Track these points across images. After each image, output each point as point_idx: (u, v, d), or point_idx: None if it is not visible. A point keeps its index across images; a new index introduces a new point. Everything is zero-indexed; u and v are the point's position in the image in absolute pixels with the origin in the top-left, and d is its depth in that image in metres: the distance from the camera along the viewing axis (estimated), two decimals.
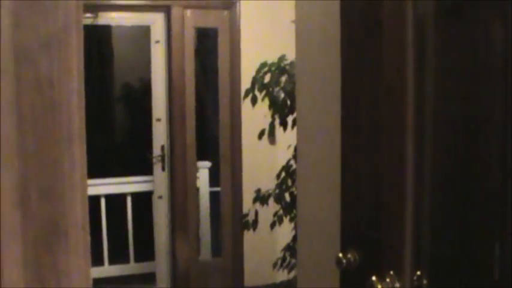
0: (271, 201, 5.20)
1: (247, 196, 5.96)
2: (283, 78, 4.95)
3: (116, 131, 9.43)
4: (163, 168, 6.47)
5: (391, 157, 2.03)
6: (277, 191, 5.13)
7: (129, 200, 6.86)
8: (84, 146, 1.00)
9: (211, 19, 6.49)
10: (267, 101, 5.03)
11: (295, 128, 3.77)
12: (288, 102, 4.85)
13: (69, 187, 0.99)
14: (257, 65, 5.10)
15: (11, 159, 0.93)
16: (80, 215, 1.01)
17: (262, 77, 5.02)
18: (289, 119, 4.83)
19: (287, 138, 4.92)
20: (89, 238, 1.03)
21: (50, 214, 0.97)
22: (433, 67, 1.94)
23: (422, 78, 1.92)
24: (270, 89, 4.98)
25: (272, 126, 5.12)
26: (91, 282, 1.02)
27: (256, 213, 5.40)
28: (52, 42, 0.95)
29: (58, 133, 0.97)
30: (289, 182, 5.04)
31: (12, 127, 0.93)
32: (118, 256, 6.94)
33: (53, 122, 0.96)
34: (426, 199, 1.94)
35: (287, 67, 4.94)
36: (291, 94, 4.72)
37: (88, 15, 5.89)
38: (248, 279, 6.71)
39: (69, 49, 0.96)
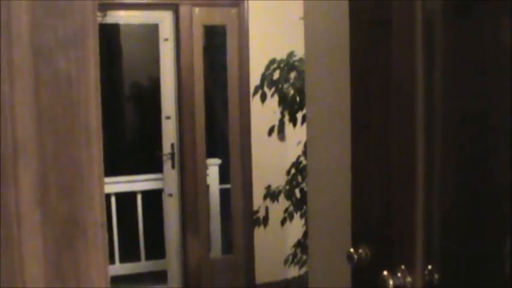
0: (281, 197, 5.22)
1: (258, 193, 5.98)
2: (293, 75, 4.96)
3: (126, 130, 9.45)
4: (173, 166, 6.48)
5: (402, 152, 2.04)
6: (287, 187, 5.15)
7: (139, 198, 6.88)
8: (101, 145, 1.01)
9: (219, 17, 6.49)
10: (276, 98, 5.04)
11: (304, 124, 3.78)
12: (298, 98, 4.85)
13: (88, 185, 1.00)
14: (266, 62, 5.12)
15: (30, 158, 0.94)
16: (98, 212, 1.02)
17: (272, 74, 5.04)
18: (299, 115, 4.84)
19: (297, 134, 4.93)
20: (106, 235, 1.04)
21: (70, 212, 0.99)
22: (442, 64, 1.94)
23: (432, 75, 1.92)
24: (280, 85, 4.99)
25: (282, 122, 5.13)
26: (109, 279, 1.04)
27: (267, 209, 5.41)
28: (70, 42, 0.96)
29: (76, 132, 0.98)
30: (299, 178, 5.06)
31: (31, 126, 0.94)
32: (129, 254, 6.95)
33: (71, 121, 0.98)
34: (437, 193, 1.94)
35: (296, 63, 4.95)
36: (300, 90, 4.72)
37: None
38: (259, 276, 6.72)
39: (86, 49, 0.97)
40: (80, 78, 0.97)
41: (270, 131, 5.25)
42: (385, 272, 1.97)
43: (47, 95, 0.96)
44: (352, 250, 2.26)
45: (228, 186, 6.81)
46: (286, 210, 5.24)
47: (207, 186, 6.68)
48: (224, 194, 6.91)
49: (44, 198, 0.96)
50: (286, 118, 5.01)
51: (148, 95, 8.38)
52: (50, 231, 0.97)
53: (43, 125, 0.95)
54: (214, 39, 6.94)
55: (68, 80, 0.96)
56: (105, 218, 1.03)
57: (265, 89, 5.06)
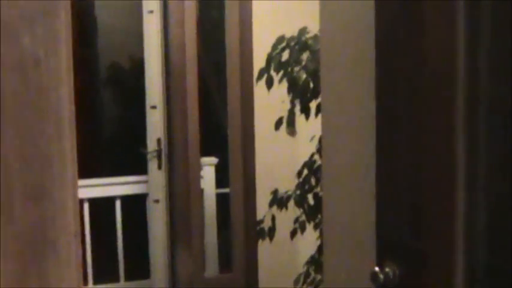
0: (291, 204, 5.23)
1: (262, 199, 5.98)
2: (305, 56, 4.96)
3: (102, 122, 9.46)
4: (159, 166, 6.49)
5: (438, 150, 2.04)
6: (298, 192, 5.15)
7: (118, 204, 6.89)
8: (75, 139, 1.02)
9: None
10: (285, 83, 5.04)
11: (319, 116, 3.78)
12: (311, 84, 4.86)
13: (59, 187, 1.01)
14: (273, 40, 5.12)
15: None
16: (71, 219, 1.03)
17: (280, 55, 5.04)
18: (313, 104, 4.84)
19: (310, 128, 4.93)
20: (80, 247, 1.05)
21: (37, 219, 0.99)
22: (488, 43, 1.94)
23: (476, 55, 1.92)
24: (289, 68, 4.99)
25: (292, 113, 5.13)
26: None
27: (273, 219, 5.42)
28: (36, 16, 0.97)
29: (46, 123, 0.99)
30: (313, 181, 5.06)
31: None
32: (105, 273, 6.96)
33: (39, 110, 0.98)
34: (482, 200, 1.95)
35: (309, 42, 4.95)
36: (314, 74, 4.73)
37: None
38: None
39: (56, 24, 0.98)
40: (48, 59, 0.97)
41: (278, 124, 5.26)
42: None
43: (10, 79, 0.96)
44: (377, 269, 2.27)
45: (226, 190, 6.82)
46: (296, 219, 5.25)
47: (201, 191, 6.69)
48: (222, 200, 6.92)
49: (6, 203, 0.97)
50: (297, 108, 5.01)
51: (130, 80, 8.39)
52: (12, 243, 0.98)
53: (5, 114, 0.96)
54: (211, 12, 6.94)
55: (35, 61, 0.97)
56: (78, 227, 1.04)
57: (272, 72, 5.06)
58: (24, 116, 0.98)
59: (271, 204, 5.34)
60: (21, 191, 0.99)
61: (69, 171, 1.01)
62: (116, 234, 6.89)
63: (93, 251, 6.75)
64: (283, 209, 5.28)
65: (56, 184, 1.00)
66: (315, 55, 4.75)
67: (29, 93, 0.98)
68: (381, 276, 2.25)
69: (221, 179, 6.89)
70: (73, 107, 1.01)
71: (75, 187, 1.02)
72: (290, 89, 5.03)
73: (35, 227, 1.00)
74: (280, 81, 5.06)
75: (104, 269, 6.94)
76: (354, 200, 2.92)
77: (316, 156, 4.95)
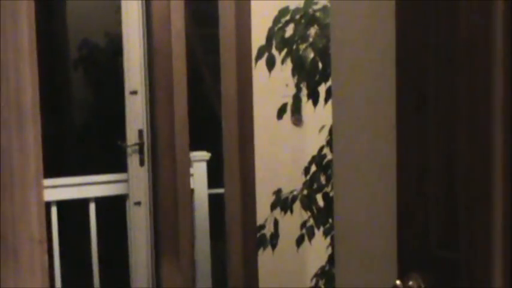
0: (296, 206, 5.24)
1: (263, 200, 6.00)
2: (313, 31, 4.96)
3: (73, 110, 9.46)
4: (141, 163, 6.50)
5: (472, 143, 2.04)
6: (305, 192, 5.16)
7: (92, 208, 6.88)
8: (39, 129, 1.02)
9: None
10: (289, 64, 5.05)
11: (329, 103, 3.79)
12: (320, 65, 4.86)
13: (20, 186, 1.01)
14: (275, 13, 5.12)
15: None
16: (35, 224, 1.03)
17: (283, 30, 5.04)
18: (322, 88, 4.85)
19: (319, 116, 4.94)
20: (46, 256, 1.05)
21: None
22: None
23: None
24: (294, 46, 5.00)
25: (297, 99, 5.13)
26: None
27: (276, 224, 5.43)
28: None
29: (5, 110, 0.99)
30: (323, 180, 5.07)
31: None
32: None
33: None
34: None
35: (318, 14, 4.96)
36: (323, 53, 4.73)
37: None
38: None
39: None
40: (6, 34, 0.97)
41: (281, 112, 5.26)
42: None
43: None
44: (398, 282, 2.27)
45: (220, 190, 6.83)
46: (303, 224, 5.26)
47: (191, 191, 6.70)
48: (215, 202, 6.94)
49: None
50: (304, 93, 5.02)
51: (106, 60, 8.39)
52: None
53: None
54: None
55: None
56: (44, 232, 1.04)
57: (274, 51, 5.07)
58: None
59: (273, 207, 5.35)
60: None
61: (32, 167, 1.01)
62: (90, 243, 6.89)
63: (62, 263, 6.75)
64: (288, 212, 5.29)
65: (17, 182, 1.00)
66: (324, 30, 4.76)
67: None
68: None
69: (214, 177, 6.90)
70: (37, 92, 1.01)
71: (39, 186, 1.02)
72: (295, 71, 5.03)
73: None
74: (284, 61, 5.07)
75: (76, 283, 6.95)
76: (371, 201, 2.93)
77: (326, 150, 4.96)
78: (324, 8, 4.83)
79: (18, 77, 0.83)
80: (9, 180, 0.87)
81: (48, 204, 6.59)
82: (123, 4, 6.41)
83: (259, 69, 5.55)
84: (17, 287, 0.90)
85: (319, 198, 5.12)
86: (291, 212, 5.27)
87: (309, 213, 5.18)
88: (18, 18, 0.82)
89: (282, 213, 5.31)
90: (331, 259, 4.77)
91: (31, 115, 0.86)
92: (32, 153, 0.87)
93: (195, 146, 6.63)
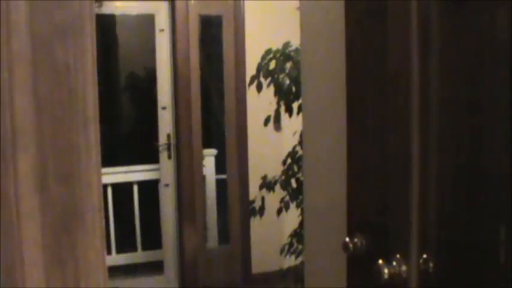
0: (277, 187, 5.22)
1: (254, 183, 5.99)
2: (288, 65, 4.95)
3: (122, 120, 9.42)
4: (169, 157, 6.49)
5: (397, 141, 2.04)
6: (283, 177, 5.15)
7: (135, 188, 6.87)
8: (98, 131, 1.02)
9: (215, 7, 6.50)
10: (272, 88, 5.04)
11: (300, 114, 3.78)
12: (293, 88, 4.86)
13: (86, 171, 1.01)
14: (262, 52, 5.11)
15: (29, 144, 0.95)
16: (96, 197, 1.03)
17: (267, 64, 5.03)
18: (295, 105, 4.84)
19: (293, 124, 4.93)
20: (103, 220, 1.05)
21: (68, 197, 0.99)
22: (438, 54, 1.94)
23: (428, 64, 1.93)
24: (275, 75, 4.98)
25: (278, 112, 5.13)
26: (106, 265, 1.05)
27: (263, 199, 5.42)
28: (68, 29, 0.97)
29: (74, 118, 0.99)
30: (296, 168, 5.06)
31: (30, 113, 0.95)
32: (125, 245, 6.95)
33: (69, 107, 0.99)
34: (432, 183, 1.95)
35: (292, 54, 4.95)
36: (296, 80, 4.73)
37: None
38: (255, 265, 6.74)
39: (83, 36, 0.98)
40: (77, 65, 0.98)
41: (266, 121, 5.26)
42: (380, 261, 1.98)
43: (46, 82, 0.97)
44: (347, 239, 2.27)
45: (224, 176, 6.83)
46: (282, 200, 5.24)
47: (204, 177, 6.69)
48: (220, 185, 6.92)
49: (43, 184, 0.97)
50: (282, 108, 5.01)
51: (145, 86, 8.35)
52: (48, 216, 0.98)
53: (41, 111, 0.96)
54: (211, 29, 6.94)
55: (66, 66, 0.97)
56: (102, 204, 1.04)
57: (261, 79, 5.06)
58: (57, 112, 0.98)
59: (261, 187, 5.33)
60: (55, 174, 0.99)
61: (93, 159, 1.01)
62: (134, 213, 6.87)
63: (115, 227, 6.74)
64: (271, 191, 5.27)
65: (83, 169, 1.00)
66: (296, 64, 4.75)
67: (60, 93, 0.98)
68: (351, 245, 2.25)
69: (220, 167, 6.89)
70: (97, 105, 1.01)
71: (99, 171, 1.02)
72: (276, 92, 5.02)
73: (66, 204, 1.00)
74: (268, 86, 5.06)
75: (124, 241, 6.93)
76: (329, 183, 2.92)
77: (298, 148, 4.95)
78: (296, 49, 4.83)
79: (84, 97, 0.85)
80: (78, 167, 0.88)
81: (105, 186, 6.60)
82: (157, 46, 6.41)
83: (251, 92, 5.55)
84: (84, 243, 0.91)
85: (293, 181, 5.10)
86: (273, 191, 5.26)
87: (286, 192, 5.16)
88: (86, 55, 0.85)
89: (267, 192, 5.30)
90: (301, 224, 4.76)
91: (93, 121, 0.87)
92: (94, 148, 0.87)
93: (206, 145, 6.62)
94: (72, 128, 0.99)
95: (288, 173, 5.11)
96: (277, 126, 6.18)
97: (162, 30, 6.38)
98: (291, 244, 5.19)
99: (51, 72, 0.97)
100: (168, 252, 6.66)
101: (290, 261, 5.30)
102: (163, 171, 6.56)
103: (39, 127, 0.96)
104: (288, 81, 4.91)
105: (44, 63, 0.97)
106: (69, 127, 0.99)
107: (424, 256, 1.92)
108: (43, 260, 0.98)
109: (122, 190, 6.88)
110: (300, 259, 4.98)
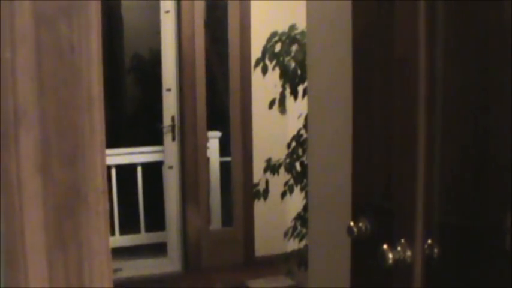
0: (281, 170, 5.22)
1: (258, 166, 5.99)
2: (294, 48, 4.94)
3: (126, 102, 9.43)
4: (173, 139, 6.48)
5: (403, 126, 2.03)
6: (287, 160, 5.15)
7: (139, 170, 6.88)
8: (103, 112, 1.01)
9: None
10: (277, 71, 5.03)
11: (305, 98, 3.77)
12: (299, 71, 4.84)
13: (89, 152, 1.00)
14: (267, 35, 5.09)
15: (31, 124, 0.94)
16: (99, 179, 1.02)
17: (273, 47, 5.02)
18: (300, 88, 4.83)
19: (298, 107, 4.92)
20: (107, 202, 1.04)
21: (71, 178, 0.98)
22: (445, 38, 1.93)
23: (435, 47, 1.91)
24: (281, 58, 4.97)
25: (283, 95, 5.12)
26: (109, 245, 1.04)
27: (267, 182, 5.41)
28: (72, 8, 0.96)
29: (79, 98, 0.98)
30: (300, 152, 5.06)
31: (33, 92, 0.94)
32: (129, 226, 6.96)
33: (73, 87, 0.97)
34: (438, 166, 1.94)
35: (298, 36, 4.93)
36: (301, 63, 4.71)
37: None
38: (259, 248, 6.75)
39: (88, 15, 0.97)
40: (81, 44, 0.96)
41: (271, 104, 5.24)
42: (385, 246, 1.97)
43: (49, 61, 0.95)
44: (352, 223, 2.26)
45: (228, 159, 6.83)
46: (286, 183, 5.24)
47: (208, 159, 6.69)
48: (224, 167, 6.93)
49: (45, 165, 0.96)
50: (287, 91, 5.00)
51: (149, 67, 8.35)
52: (51, 197, 0.97)
53: (44, 91, 0.95)
54: (216, 11, 6.92)
55: (70, 46, 0.96)
56: (106, 185, 1.03)
57: (267, 61, 5.05)
58: (61, 92, 0.97)
59: (265, 170, 5.33)
60: (58, 155, 0.98)
61: (97, 139, 1.00)
62: (138, 194, 6.88)
63: (119, 208, 6.75)
64: (275, 174, 5.27)
65: (87, 150, 0.99)
66: (302, 47, 4.74)
67: (64, 73, 0.97)
68: (355, 229, 2.24)
69: (224, 149, 6.89)
70: (101, 86, 1.00)
71: (103, 152, 1.01)
72: (281, 75, 5.01)
73: (69, 185, 0.99)
74: (273, 69, 5.05)
75: (128, 222, 6.94)
76: (334, 167, 2.91)
77: (303, 131, 4.94)
78: (302, 32, 4.81)
79: (89, 76, 0.83)
80: (81, 148, 0.87)
81: (109, 168, 6.60)
82: (162, 27, 6.39)
83: (256, 74, 5.54)
84: (88, 224, 0.90)
85: (297, 165, 5.10)
86: (278, 174, 5.26)
87: (290, 175, 5.16)
88: (91, 34, 0.83)
89: (271, 174, 5.29)
90: (305, 207, 4.75)
91: (97, 102, 0.85)
92: (98, 129, 0.86)
93: (210, 127, 6.62)
94: (76, 108, 0.98)
95: (292, 156, 5.11)
96: (282, 109, 6.17)
97: (167, 11, 6.35)
98: (294, 227, 5.19)
99: (55, 51, 0.96)
100: (172, 234, 6.67)
101: (294, 244, 5.29)
102: (168, 153, 6.56)
103: (42, 107, 0.95)
104: (293, 64, 4.90)
105: (47, 43, 0.95)
106: (73, 107, 0.98)
107: (429, 241, 1.92)
108: (46, 243, 0.97)
109: (125, 172, 6.89)
110: (303, 242, 4.99)
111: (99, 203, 1.02)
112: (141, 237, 7.01)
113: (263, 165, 5.38)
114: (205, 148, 6.58)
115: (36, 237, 0.96)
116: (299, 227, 5.15)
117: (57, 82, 0.96)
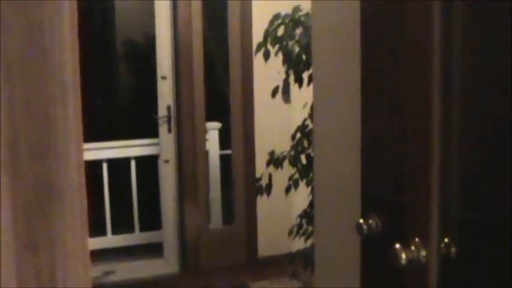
0: (286, 164, 5.21)
1: (260, 159, 5.99)
2: (298, 31, 4.93)
3: (119, 91, 9.42)
4: (169, 130, 6.47)
5: (416, 115, 2.01)
6: (292, 153, 5.14)
7: (133, 164, 6.88)
8: (79, 100, 0.98)
9: None
10: (280, 56, 5.02)
11: (311, 85, 3.75)
12: (304, 56, 4.83)
13: (63, 144, 0.97)
14: (269, 17, 5.08)
15: None
16: (75, 175, 0.99)
17: (275, 30, 5.01)
18: (305, 75, 4.82)
19: (303, 95, 4.91)
20: (85, 201, 1.02)
21: (42, 174, 0.96)
22: (462, 17, 1.91)
23: (450, 30, 1.89)
24: (284, 42, 4.96)
25: (286, 83, 5.11)
26: (88, 249, 1.01)
27: (270, 177, 5.41)
28: None
29: (50, 84, 0.95)
30: (306, 143, 5.05)
31: None
32: (122, 225, 6.98)
33: (44, 72, 0.94)
34: (455, 159, 1.92)
35: (302, 19, 4.92)
36: (306, 48, 4.69)
37: None
38: (262, 248, 6.75)
39: None
40: (54, 23, 0.94)
41: (274, 92, 5.24)
42: (397, 245, 1.96)
43: (15, 42, 0.92)
44: (361, 220, 2.25)
45: (228, 151, 6.83)
46: (291, 177, 5.24)
47: (207, 152, 6.69)
48: (224, 160, 6.93)
49: (13, 159, 0.93)
50: (292, 78, 4.99)
51: (143, 53, 8.34)
52: (20, 194, 0.94)
53: (11, 76, 0.92)
54: None
55: (40, 25, 0.93)
56: (83, 182, 1.00)
57: (269, 46, 5.04)
58: (30, 78, 0.94)
59: (268, 164, 5.33)
60: (27, 148, 0.95)
61: (72, 130, 0.97)
62: (131, 191, 6.89)
63: (111, 206, 6.76)
64: (279, 168, 5.26)
65: (60, 142, 0.96)
66: (307, 31, 4.72)
67: (34, 56, 0.94)
68: (365, 227, 2.23)
69: (224, 141, 6.89)
70: (77, 71, 0.97)
71: (79, 144, 0.98)
72: (285, 61, 5.00)
73: (40, 182, 0.97)
74: (276, 54, 5.04)
75: (121, 221, 6.96)
76: (342, 160, 2.90)
77: (308, 121, 4.93)
78: (307, 14, 4.79)
79: (61, 59, 0.81)
80: (54, 140, 0.85)
81: (100, 162, 6.61)
82: (156, 10, 6.38)
83: (258, 60, 5.54)
84: (61, 224, 0.88)
85: (302, 157, 5.09)
86: (282, 167, 5.25)
87: (295, 169, 5.15)
88: (62, 12, 0.81)
89: (275, 168, 5.29)
90: (311, 203, 4.74)
91: (72, 89, 0.83)
92: (73, 119, 0.84)
93: (209, 118, 6.61)
94: (47, 96, 0.95)
95: (297, 148, 5.10)
96: (286, 97, 6.16)
97: None
98: (300, 225, 5.19)
99: (21, 32, 0.93)
100: (168, 233, 6.68)
101: (299, 243, 5.29)
102: (163, 146, 6.56)
103: (9, 95, 0.92)
104: (297, 49, 4.89)
105: (13, 22, 0.93)
106: (44, 95, 0.95)
107: (446, 240, 1.90)
108: (14, 247, 0.95)
109: (118, 166, 6.90)
110: (310, 241, 4.98)
111: (75, 200, 0.99)
112: (135, 237, 7.02)
113: (266, 158, 5.37)
114: (204, 140, 6.58)
115: (2, 238, 0.94)
116: (305, 225, 5.14)
117: (26, 66, 0.93)
